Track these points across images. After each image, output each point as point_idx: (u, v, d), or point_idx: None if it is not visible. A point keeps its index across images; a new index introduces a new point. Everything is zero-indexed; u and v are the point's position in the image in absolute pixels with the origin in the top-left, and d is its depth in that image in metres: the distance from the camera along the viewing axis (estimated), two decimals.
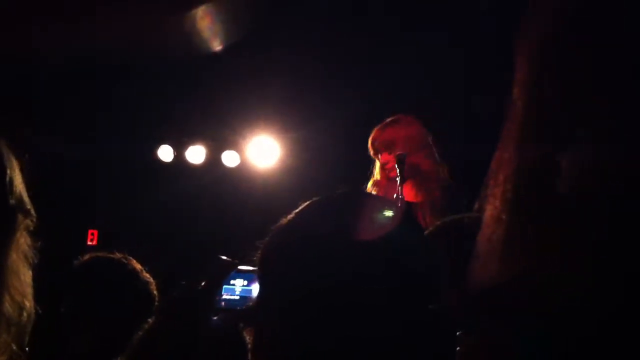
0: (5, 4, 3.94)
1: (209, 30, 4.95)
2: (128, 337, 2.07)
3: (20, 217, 0.91)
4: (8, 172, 0.92)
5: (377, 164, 3.23)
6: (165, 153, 6.26)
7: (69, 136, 6.00)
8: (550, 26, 0.77)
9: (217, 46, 5.16)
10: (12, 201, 0.91)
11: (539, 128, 0.76)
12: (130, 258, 2.20)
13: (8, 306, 0.87)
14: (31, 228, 0.93)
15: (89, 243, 6.16)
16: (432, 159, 3.09)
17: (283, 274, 1.12)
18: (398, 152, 3.05)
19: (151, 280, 2.20)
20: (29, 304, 0.91)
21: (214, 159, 6.27)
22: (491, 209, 0.85)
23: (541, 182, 0.76)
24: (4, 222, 0.90)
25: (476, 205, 0.91)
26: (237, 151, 6.23)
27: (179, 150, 6.27)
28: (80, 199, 6.01)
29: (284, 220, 1.18)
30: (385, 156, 3.18)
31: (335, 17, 4.80)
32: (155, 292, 2.19)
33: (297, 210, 1.18)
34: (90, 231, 6.21)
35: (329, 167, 5.28)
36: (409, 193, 3.04)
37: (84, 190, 6.04)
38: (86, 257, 2.20)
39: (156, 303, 2.17)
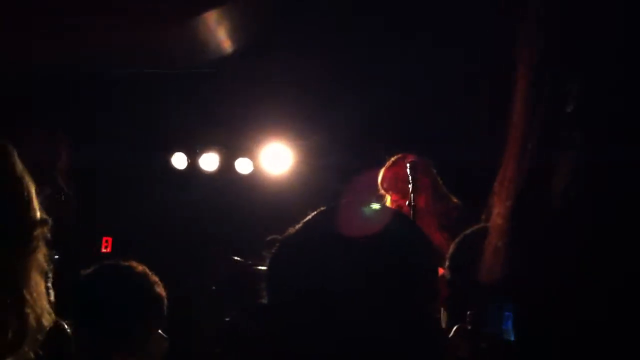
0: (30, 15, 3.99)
1: (221, 36, 4.98)
2: (136, 342, 2.09)
3: (38, 229, 0.93)
4: (26, 186, 0.94)
5: (388, 201, 3.25)
6: (179, 160, 6.30)
7: (82, 143, 6.04)
8: (542, 38, 0.79)
9: (228, 51, 5.18)
10: (30, 217, 0.92)
11: (538, 134, 0.78)
12: (137, 263, 2.20)
13: (32, 320, 0.89)
14: (48, 236, 0.95)
15: (103, 250, 6.20)
16: (436, 193, 3.12)
17: (287, 277, 1.16)
18: (410, 161, 3.07)
19: (158, 281, 2.20)
20: (48, 316, 0.93)
21: (227, 166, 6.30)
22: (497, 216, 0.87)
23: (540, 185, 0.78)
24: (23, 239, 0.92)
25: (483, 216, 0.93)
26: (250, 158, 6.26)
27: (193, 158, 6.30)
28: (94, 206, 6.06)
29: (291, 230, 1.22)
30: (394, 195, 3.21)
31: (346, 23, 4.82)
32: (163, 293, 2.19)
33: (304, 220, 1.21)
34: (104, 238, 6.26)
35: (341, 174, 5.30)
36: (421, 201, 3.05)
37: (98, 197, 6.08)
38: (93, 267, 2.21)
39: (165, 304, 2.18)
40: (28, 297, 0.90)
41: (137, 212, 6.08)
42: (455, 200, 3.15)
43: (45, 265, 0.95)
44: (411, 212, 2.94)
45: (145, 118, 5.83)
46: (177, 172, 6.30)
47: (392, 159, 3.27)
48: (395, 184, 3.22)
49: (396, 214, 1.39)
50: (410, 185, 3.01)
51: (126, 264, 2.18)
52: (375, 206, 1.25)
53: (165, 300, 2.17)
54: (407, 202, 3.02)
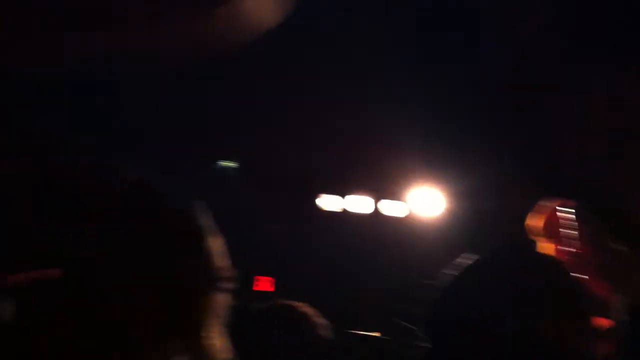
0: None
1: None
2: None
3: (224, 282, 1.00)
4: (214, 236, 1.01)
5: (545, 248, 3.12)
6: (331, 203, 6.43)
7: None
8: None
9: None
10: (215, 268, 1.00)
11: None
12: (305, 304, 2.25)
13: None
14: (230, 287, 1.02)
15: (262, 288, 6.40)
16: (598, 240, 2.96)
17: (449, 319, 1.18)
18: (568, 206, 2.95)
19: (325, 324, 2.23)
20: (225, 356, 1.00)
21: (379, 209, 6.34)
22: None
23: None
24: (208, 286, 0.99)
25: None
26: (403, 201, 6.27)
27: (346, 200, 6.40)
28: (245, 246, 6.26)
29: (447, 276, 1.23)
30: (551, 242, 3.08)
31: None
32: (329, 335, 2.21)
33: (460, 268, 1.22)
34: (263, 278, 6.47)
35: (495, 218, 5.17)
36: (580, 248, 2.91)
37: (246, 236, 6.29)
38: (264, 303, 2.28)
39: (332, 346, 2.20)
40: (207, 338, 0.97)
41: (289, 253, 6.24)
42: (619, 247, 2.98)
43: (225, 311, 1.02)
44: (570, 259, 2.81)
45: (299, 158, 6.00)
46: (329, 214, 6.42)
47: (549, 204, 3.15)
48: (552, 231, 3.10)
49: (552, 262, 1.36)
50: (569, 232, 2.89)
51: (296, 304, 2.23)
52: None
53: (331, 344, 2.19)
54: (565, 249, 2.89)
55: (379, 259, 6.26)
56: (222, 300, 0.99)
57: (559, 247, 3.00)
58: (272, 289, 6.36)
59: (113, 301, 0.90)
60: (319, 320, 2.21)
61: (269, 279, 6.43)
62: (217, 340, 0.98)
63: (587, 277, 2.75)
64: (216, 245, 1.01)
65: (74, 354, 0.87)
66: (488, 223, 5.11)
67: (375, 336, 5.04)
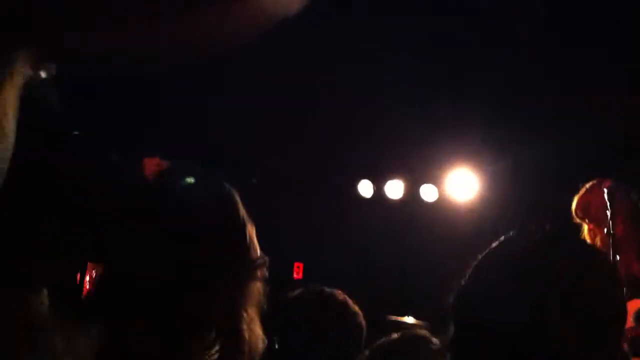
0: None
1: None
2: None
3: (258, 268, 1.00)
4: (249, 229, 1.01)
5: (585, 230, 3.07)
6: (366, 188, 6.41)
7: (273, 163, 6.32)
8: None
9: None
10: (252, 257, 1.00)
11: None
12: (339, 291, 2.23)
13: (247, 346, 0.96)
14: (265, 274, 1.02)
15: (295, 276, 6.43)
16: (636, 220, 2.90)
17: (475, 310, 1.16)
18: (606, 186, 2.90)
19: (359, 311, 2.21)
20: (262, 342, 1.00)
21: (412, 194, 6.30)
22: None
23: None
24: (246, 276, 0.99)
25: None
26: (435, 185, 6.22)
27: (379, 185, 6.38)
28: (286, 232, 6.29)
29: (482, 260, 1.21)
30: (589, 224, 3.03)
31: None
32: (363, 323, 2.20)
33: (493, 251, 1.20)
34: (296, 264, 6.49)
35: (528, 200, 5.11)
36: (618, 229, 2.86)
37: (289, 223, 6.30)
38: (297, 291, 2.27)
39: (364, 334, 2.19)
40: (245, 326, 0.98)
41: (327, 238, 6.24)
42: None
43: (261, 298, 1.02)
44: (609, 241, 2.76)
45: (330, 146, 5.99)
46: (364, 199, 6.40)
47: (587, 185, 3.10)
48: (590, 212, 3.05)
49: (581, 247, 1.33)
50: (607, 213, 2.83)
51: (329, 291, 2.22)
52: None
53: (364, 331, 2.18)
54: (604, 230, 2.84)
55: (413, 244, 6.22)
56: (258, 289, 0.99)
57: (597, 228, 2.96)
58: (300, 276, 6.37)
59: (161, 294, 0.91)
60: (355, 307, 2.20)
61: (300, 264, 6.44)
62: (255, 329, 0.98)
63: (620, 257, 2.71)
64: (251, 234, 1.01)
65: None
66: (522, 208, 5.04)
67: (409, 322, 5.03)
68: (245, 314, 0.99)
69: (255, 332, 1.00)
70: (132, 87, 4.58)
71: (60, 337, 0.85)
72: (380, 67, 4.94)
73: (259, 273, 1.01)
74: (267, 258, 1.02)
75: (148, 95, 4.85)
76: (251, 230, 1.02)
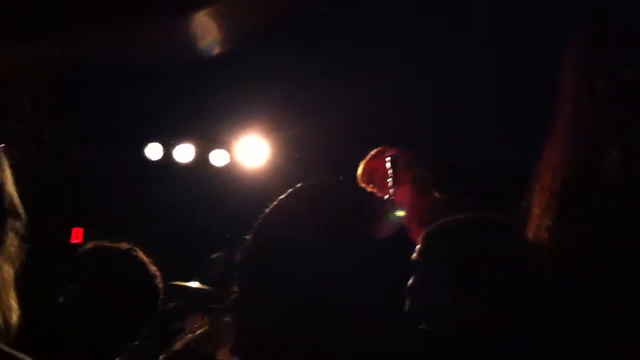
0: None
1: (209, 34, 4.93)
2: (128, 330, 2.01)
3: (10, 220, 0.89)
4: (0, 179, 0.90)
5: None
6: (154, 151, 6.22)
7: (56, 135, 5.95)
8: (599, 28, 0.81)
9: (215, 50, 5.14)
10: (3, 205, 0.89)
11: (588, 128, 0.80)
12: (138, 249, 2.12)
13: None
14: (21, 231, 0.92)
15: (74, 241, 6.08)
16: (418, 187, 3.07)
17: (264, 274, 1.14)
18: (390, 154, 3.03)
19: (157, 273, 2.12)
20: (15, 305, 0.89)
21: (202, 158, 6.23)
22: (540, 202, 0.94)
23: (588, 177, 0.83)
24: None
25: (524, 203, 0.99)
26: (226, 150, 6.20)
27: (168, 149, 6.23)
28: (65, 197, 5.95)
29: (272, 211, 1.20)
30: (373, 189, 3.17)
31: (328, 15, 4.78)
32: (160, 286, 2.12)
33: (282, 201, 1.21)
34: (74, 229, 6.14)
35: (319, 167, 5.26)
36: (399, 195, 3.01)
37: (69, 188, 5.98)
38: (89, 245, 2.11)
39: (161, 297, 2.10)
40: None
41: (110, 203, 5.99)
42: (438, 195, 3.12)
43: (16, 256, 0.91)
44: (388, 205, 2.90)
45: (120, 108, 5.74)
46: (152, 163, 6.22)
47: (372, 152, 3.23)
48: (374, 178, 3.19)
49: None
50: (389, 180, 2.98)
51: (123, 245, 2.10)
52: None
53: (161, 287, 2.11)
54: (383, 195, 2.98)
55: (202, 209, 6.17)
56: (13, 243, 0.89)
57: (377, 192, 3.10)
58: (81, 240, 6.05)
59: None
60: (154, 268, 2.12)
61: (80, 229, 6.10)
62: (6, 299, 0.88)
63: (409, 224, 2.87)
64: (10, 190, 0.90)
65: None
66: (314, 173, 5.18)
67: (195, 287, 5.00)
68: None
69: (6, 294, 0.89)
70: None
71: None
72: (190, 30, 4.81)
73: (10, 223, 0.90)
74: (22, 212, 0.92)
75: None
76: (3, 177, 0.91)
